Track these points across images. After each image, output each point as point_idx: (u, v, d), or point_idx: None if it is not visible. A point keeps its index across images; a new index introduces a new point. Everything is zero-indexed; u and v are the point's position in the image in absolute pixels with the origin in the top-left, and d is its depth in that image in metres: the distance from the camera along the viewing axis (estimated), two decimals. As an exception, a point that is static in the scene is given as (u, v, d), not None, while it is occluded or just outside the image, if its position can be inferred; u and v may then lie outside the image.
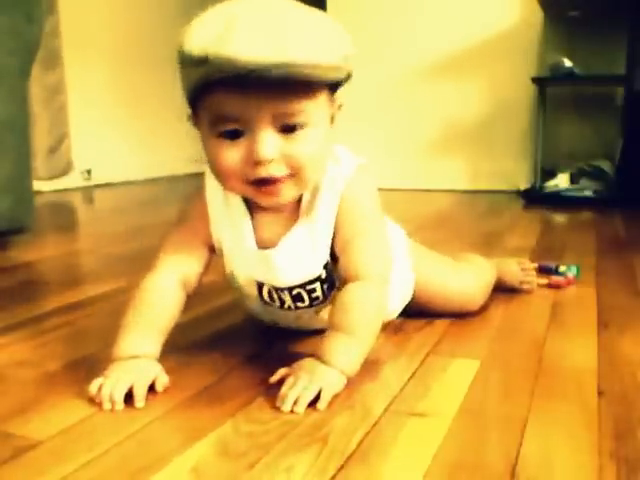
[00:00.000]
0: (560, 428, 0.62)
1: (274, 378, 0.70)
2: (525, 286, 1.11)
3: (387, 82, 2.91)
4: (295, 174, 0.68)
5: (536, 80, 2.51)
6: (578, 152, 2.58)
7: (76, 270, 1.48)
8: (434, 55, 2.82)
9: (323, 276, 0.79)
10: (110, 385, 0.68)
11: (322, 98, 0.69)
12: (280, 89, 0.63)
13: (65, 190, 2.95)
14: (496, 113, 2.77)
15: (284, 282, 0.79)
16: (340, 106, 0.74)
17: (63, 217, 2.43)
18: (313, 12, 0.67)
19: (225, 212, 0.78)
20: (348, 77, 0.71)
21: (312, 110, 0.67)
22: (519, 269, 1.12)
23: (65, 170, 2.98)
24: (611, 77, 2.50)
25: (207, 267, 0.82)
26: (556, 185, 2.40)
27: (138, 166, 3.38)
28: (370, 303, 0.73)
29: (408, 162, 2.93)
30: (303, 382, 0.67)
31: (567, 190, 2.36)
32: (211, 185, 0.78)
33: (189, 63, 0.63)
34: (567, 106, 2.66)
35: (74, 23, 2.95)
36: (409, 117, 2.91)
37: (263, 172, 0.66)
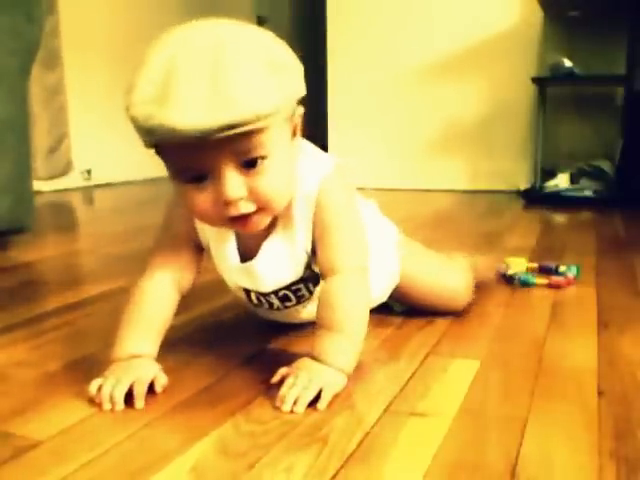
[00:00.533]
0: (560, 428, 0.62)
1: (275, 379, 0.71)
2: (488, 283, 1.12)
3: (387, 82, 2.91)
4: (264, 208, 0.69)
5: (536, 80, 2.51)
6: (578, 152, 2.58)
7: (76, 270, 1.48)
8: (434, 55, 2.82)
9: (306, 276, 0.80)
10: (110, 385, 0.68)
11: (278, 126, 0.67)
12: (231, 137, 0.62)
13: (65, 190, 2.95)
14: (496, 113, 2.77)
15: (268, 288, 0.80)
16: (301, 115, 0.72)
17: (63, 217, 2.43)
18: (252, 45, 0.64)
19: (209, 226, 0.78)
20: (299, 103, 0.69)
21: (268, 142, 0.66)
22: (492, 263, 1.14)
23: (65, 170, 2.98)
24: (611, 77, 2.50)
25: (199, 267, 0.82)
26: (556, 185, 2.40)
27: (138, 166, 3.38)
28: (353, 296, 0.74)
29: (408, 162, 2.93)
30: (303, 382, 0.67)
31: (567, 190, 2.36)
32: None
33: (135, 127, 0.64)
34: (567, 106, 2.66)
35: (74, 23, 2.95)
36: (409, 117, 2.91)
37: (234, 211, 0.67)
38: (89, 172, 3.15)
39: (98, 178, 3.17)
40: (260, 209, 0.68)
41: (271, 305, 0.84)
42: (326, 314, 0.73)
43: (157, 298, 0.78)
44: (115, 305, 1.00)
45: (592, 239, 1.64)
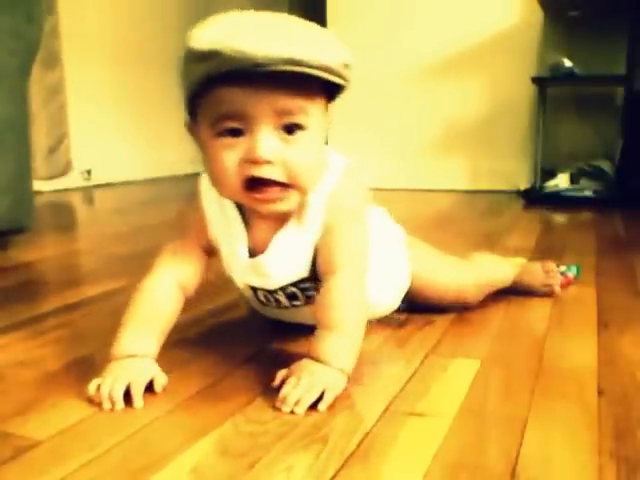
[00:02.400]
0: (560, 428, 0.62)
1: (276, 382, 0.70)
2: (546, 289, 1.09)
3: (387, 82, 2.91)
4: (290, 184, 0.69)
5: (536, 80, 2.51)
6: (578, 152, 2.58)
7: (76, 270, 1.48)
8: (434, 55, 2.82)
9: (313, 275, 0.79)
10: (108, 385, 0.68)
11: (320, 104, 0.70)
12: (283, 85, 0.64)
13: (65, 190, 2.95)
14: (496, 113, 2.77)
15: (274, 284, 0.80)
16: (331, 121, 0.75)
17: (63, 217, 2.43)
18: (315, 25, 0.68)
19: (221, 219, 0.79)
20: (345, 87, 0.71)
21: (311, 112, 0.68)
22: (542, 271, 1.10)
23: (64, 170, 2.97)
24: (611, 77, 2.50)
25: (205, 272, 0.82)
26: (556, 185, 2.40)
27: (138, 166, 3.38)
28: (350, 296, 0.74)
29: (408, 162, 2.93)
30: (305, 383, 0.67)
31: (567, 190, 2.36)
32: (206, 193, 0.79)
33: (195, 59, 0.64)
34: (567, 106, 2.66)
35: (74, 23, 2.95)
36: (409, 117, 2.91)
37: (257, 171, 0.67)
38: (89, 172, 3.15)
39: (98, 178, 3.17)
40: (286, 185, 0.68)
41: (278, 303, 0.83)
42: (325, 314, 0.73)
43: (160, 298, 0.78)
44: (115, 305, 1.00)
45: (592, 239, 1.64)
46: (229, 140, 0.67)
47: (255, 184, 0.68)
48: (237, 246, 0.78)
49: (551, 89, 2.57)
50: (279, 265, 0.77)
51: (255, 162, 0.66)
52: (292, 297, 0.82)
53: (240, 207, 0.77)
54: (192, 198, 0.81)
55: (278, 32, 0.64)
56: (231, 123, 0.66)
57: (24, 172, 1.53)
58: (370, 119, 2.95)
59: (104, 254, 1.55)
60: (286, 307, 0.84)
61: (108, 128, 3.25)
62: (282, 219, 0.76)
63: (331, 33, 0.69)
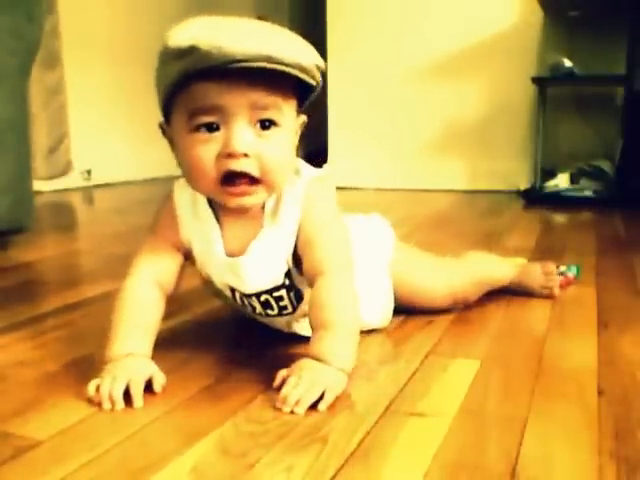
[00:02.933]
0: (560, 428, 0.62)
1: (276, 383, 0.70)
2: (545, 291, 1.08)
3: (387, 82, 2.91)
4: (262, 179, 0.70)
5: (536, 80, 2.51)
6: (578, 152, 2.58)
7: (76, 270, 1.48)
8: (434, 55, 2.82)
9: (287, 283, 0.80)
10: (107, 385, 0.68)
11: (292, 105, 0.72)
12: (259, 81, 0.66)
13: (65, 190, 2.95)
14: (496, 113, 2.77)
15: (250, 288, 0.80)
16: (303, 123, 0.77)
17: (63, 217, 2.43)
18: (287, 30, 0.70)
19: (193, 219, 0.79)
20: (316, 89, 0.73)
21: (285, 110, 0.70)
22: (541, 273, 1.09)
23: (64, 170, 2.97)
24: (611, 77, 2.50)
25: (182, 272, 0.82)
26: (556, 185, 2.40)
27: (138, 166, 3.38)
28: (342, 294, 0.74)
29: (408, 162, 2.93)
30: (306, 383, 0.67)
31: (567, 190, 2.36)
32: (180, 192, 0.80)
33: (173, 57, 0.65)
34: (567, 106, 2.66)
35: (74, 23, 2.95)
36: (409, 117, 2.91)
37: (233, 165, 0.67)
38: (89, 172, 3.14)
39: (98, 178, 3.17)
40: (257, 181, 0.69)
41: (254, 309, 0.84)
42: (319, 314, 0.73)
43: (142, 298, 0.78)
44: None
45: (592, 239, 1.64)
46: (205, 135, 0.68)
47: (229, 179, 0.69)
48: (213, 244, 0.78)
49: (551, 89, 2.57)
50: (257, 269, 0.78)
51: (232, 155, 0.67)
52: (266, 305, 0.82)
53: (213, 207, 0.78)
54: (164, 199, 0.81)
55: (254, 32, 0.65)
56: (207, 117, 0.67)
57: (24, 172, 1.53)
58: (369, 119, 2.95)
59: (104, 254, 1.55)
60: (261, 314, 0.84)
61: (108, 128, 3.25)
62: (254, 220, 0.77)
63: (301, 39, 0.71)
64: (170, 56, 0.65)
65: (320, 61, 0.70)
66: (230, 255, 0.78)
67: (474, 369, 0.78)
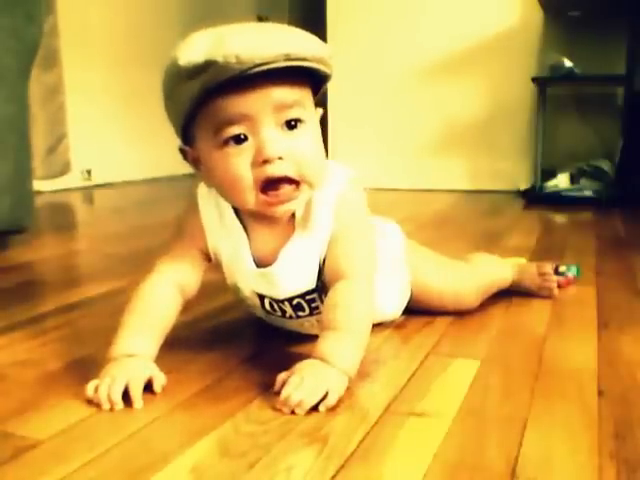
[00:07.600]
0: (560, 428, 0.62)
1: (277, 387, 0.69)
2: (543, 292, 1.08)
3: (387, 82, 2.91)
4: (301, 179, 0.69)
5: (536, 80, 2.51)
6: (578, 152, 2.58)
7: (76, 270, 1.48)
8: (434, 55, 2.82)
9: (319, 287, 0.79)
10: (106, 385, 0.68)
11: (310, 97, 0.72)
12: (277, 81, 0.66)
13: (65, 190, 2.95)
14: (496, 113, 2.77)
15: (283, 294, 0.80)
16: (320, 115, 0.76)
17: (63, 217, 2.43)
18: (285, 25, 0.70)
19: (220, 229, 0.79)
20: (329, 78, 0.73)
21: (306, 104, 0.70)
22: (537, 274, 1.09)
23: (64, 170, 2.97)
24: (611, 77, 2.50)
25: (203, 275, 0.82)
26: (556, 185, 2.40)
27: (138, 166, 3.38)
28: (359, 300, 0.74)
29: (408, 162, 2.93)
30: (308, 385, 0.66)
31: (567, 190, 2.36)
32: (203, 202, 0.79)
33: (187, 76, 0.64)
34: (567, 106, 2.66)
35: (73, 23, 2.94)
36: (409, 117, 2.91)
37: (270, 170, 0.67)
38: (89, 172, 3.15)
39: (98, 178, 3.17)
40: (296, 183, 0.69)
41: (284, 313, 0.83)
42: (332, 316, 0.72)
43: (158, 299, 0.77)
44: (115, 305, 1.00)
45: (592, 239, 1.64)
46: (234, 149, 0.67)
47: (268, 186, 0.68)
48: (242, 254, 0.78)
49: (551, 89, 2.57)
50: (289, 277, 0.77)
51: (267, 161, 0.66)
52: (298, 308, 0.82)
53: (239, 216, 0.77)
54: (190, 204, 0.80)
55: (263, 34, 0.65)
56: (233, 128, 0.66)
57: (24, 172, 1.53)
58: (370, 119, 2.95)
59: (104, 254, 1.55)
60: (291, 317, 0.83)
61: (107, 128, 3.25)
62: (284, 227, 0.76)
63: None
64: (184, 75, 0.64)
65: (329, 48, 0.70)
66: (259, 263, 0.78)
67: (474, 369, 0.78)
